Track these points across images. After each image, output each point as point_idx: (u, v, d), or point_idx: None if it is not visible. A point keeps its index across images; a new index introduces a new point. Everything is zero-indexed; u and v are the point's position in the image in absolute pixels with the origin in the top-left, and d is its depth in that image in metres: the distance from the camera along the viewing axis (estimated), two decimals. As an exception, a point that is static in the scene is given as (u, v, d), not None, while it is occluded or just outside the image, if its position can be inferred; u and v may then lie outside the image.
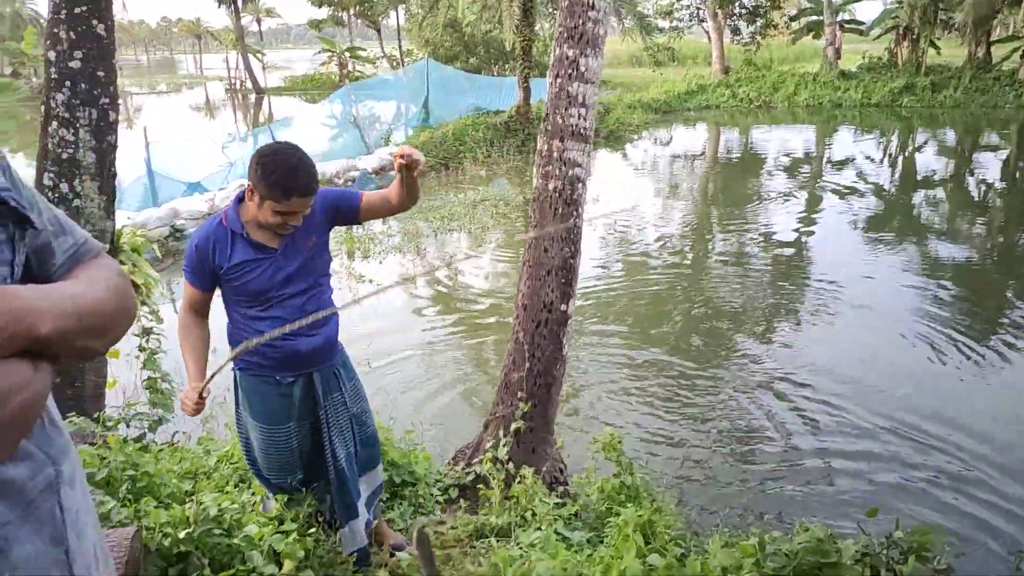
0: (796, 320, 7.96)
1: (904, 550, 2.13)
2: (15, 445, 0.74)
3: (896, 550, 2.15)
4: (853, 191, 14.56)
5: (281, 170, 2.36)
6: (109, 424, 4.67)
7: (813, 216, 12.89)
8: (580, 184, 4.04)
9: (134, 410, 4.87)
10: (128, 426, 4.85)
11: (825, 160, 18.67)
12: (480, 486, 3.84)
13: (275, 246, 2.61)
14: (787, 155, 19.28)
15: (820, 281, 9.08)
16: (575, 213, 4.04)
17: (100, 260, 1.02)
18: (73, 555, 0.89)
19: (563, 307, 4.06)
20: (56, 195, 4.26)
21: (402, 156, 2.45)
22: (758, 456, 5.25)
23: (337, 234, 11.77)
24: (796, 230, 11.76)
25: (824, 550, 1.97)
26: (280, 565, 2.65)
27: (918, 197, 14.70)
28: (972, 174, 16.78)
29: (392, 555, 2.90)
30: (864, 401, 5.97)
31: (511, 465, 3.92)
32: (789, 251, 10.69)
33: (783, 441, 5.44)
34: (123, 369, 5.52)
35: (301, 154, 2.42)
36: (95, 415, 3.84)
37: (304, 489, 2.94)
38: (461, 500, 3.88)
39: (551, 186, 4.01)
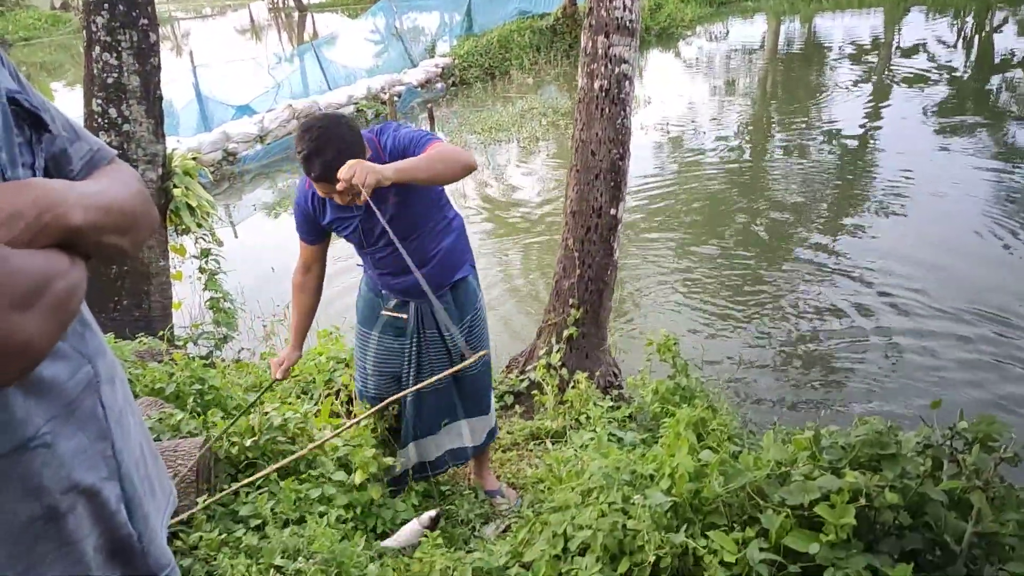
0: (864, 211, 7.64)
1: (968, 440, 2.06)
2: (58, 333, 0.74)
3: (960, 440, 2.08)
4: (924, 78, 13.69)
5: (302, 153, 2.23)
6: (178, 343, 4.88)
7: (880, 107, 12.21)
8: (627, 82, 3.87)
9: (200, 329, 5.06)
10: (196, 344, 5.06)
11: (894, 46, 17.52)
12: (534, 392, 3.89)
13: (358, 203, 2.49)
14: (853, 43, 18.13)
15: (889, 172, 8.65)
16: (623, 113, 3.89)
17: (116, 165, 1.02)
18: (119, 450, 0.92)
19: (612, 211, 3.97)
20: (105, 120, 4.32)
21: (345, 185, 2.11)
22: (822, 348, 5.17)
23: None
24: (863, 123, 11.17)
25: (883, 442, 1.93)
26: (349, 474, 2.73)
27: (995, 81, 13.73)
28: (1057, 52, 15.54)
29: (483, 499, 2.93)
30: (938, 289, 5.75)
31: (564, 371, 3.95)
32: (854, 144, 10.19)
33: (847, 331, 5.32)
34: (187, 291, 5.70)
35: (326, 138, 2.19)
36: (160, 334, 3.99)
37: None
38: (516, 406, 3.94)
39: (596, 85, 3.85)
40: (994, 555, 1.76)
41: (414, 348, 2.78)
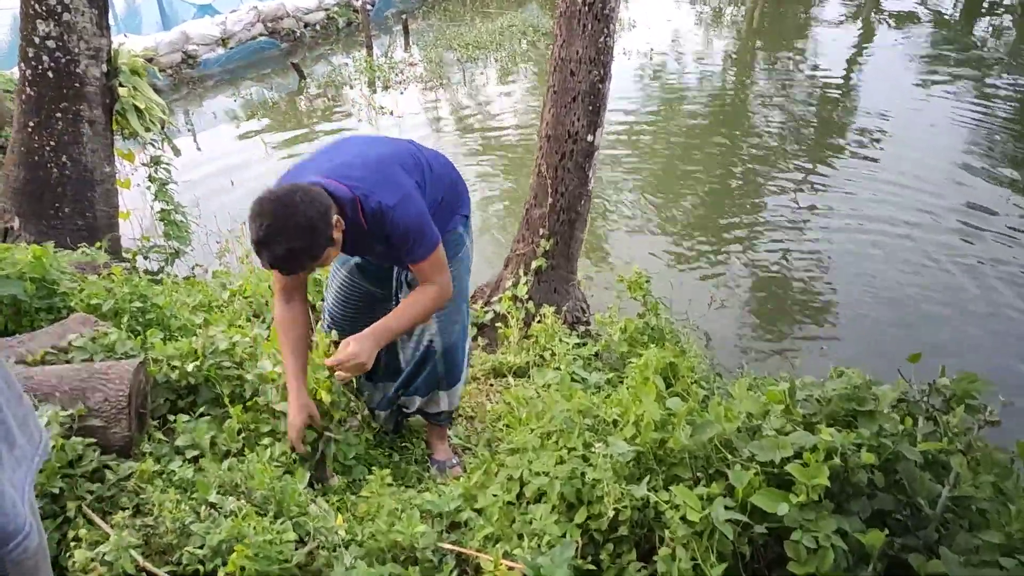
0: (842, 150, 7.51)
1: (947, 398, 1.97)
2: None
3: (938, 397, 1.99)
4: (912, 18, 13.39)
5: (252, 240, 1.93)
6: (126, 256, 4.62)
7: (865, 46, 11.94)
8: (613, -3, 3.60)
9: (151, 242, 4.81)
10: (146, 258, 4.81)
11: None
12: (499, 325, 3.75)
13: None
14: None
15: (868, 115, 8.49)
16: (606, 31, 3.64)
17: None
18: None
19: (590, 137, 3.76)
20: (44, 7, 3.94)
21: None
22: (795, 301, 5.10)
23: (358, 62, 11.22)
24: (847, 62, 10.92)
25: (860, 397, 1.83)
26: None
27: (982, 25, 13.49)
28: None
29: (429, 466, 2.71)
30: (910, 234, 5.69)
31: (531, 304, 3.81)
32: (837, 82, 9.97)
33: (820, 273, 5.25)
34: (138, 202, 5.40)
35: (275, 229, 1.88)
36: (98, 244, 3.74)
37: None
38: (479, 338, 3.81)
39: (580, -1, 3.58)
40: (968, 520, 1.68)
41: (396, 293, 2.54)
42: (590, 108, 3.71)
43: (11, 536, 0.83)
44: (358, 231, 2.10)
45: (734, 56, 11.68)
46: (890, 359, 4.07)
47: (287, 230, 1.89)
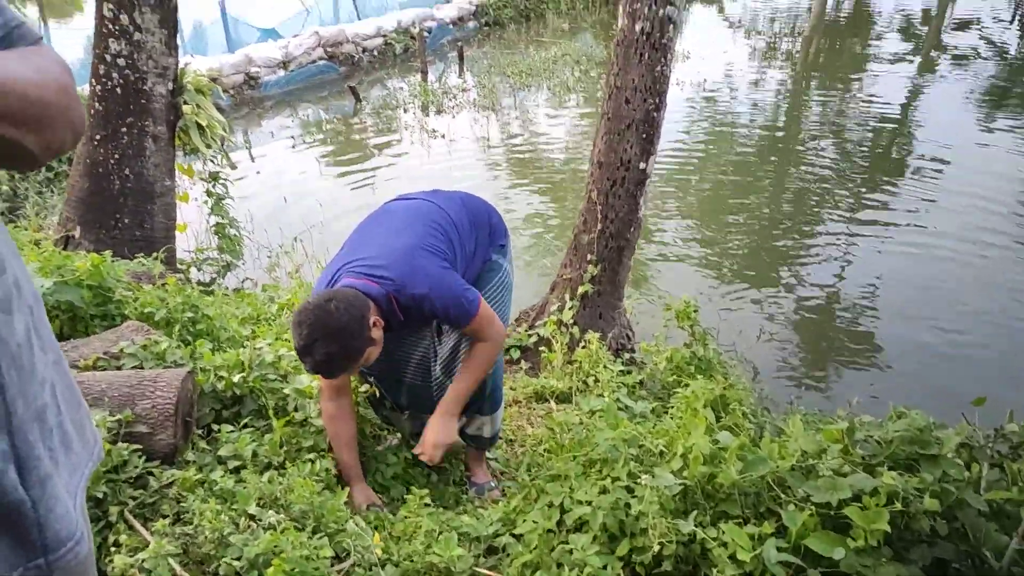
0: (895, 192, 7.32)
1: (1014, 444, 1.87)
2: None
3: (1005, 444, 1.89)
4: (974, 56, 13.09)
5: (296, 343, 2.05)
6: (181, 267, 4.73)
7: (924, 84, 11.69)
8: (671, 26, 3.58)
9: (204, 255, 4.91)
10: (199, 270, 4.91)
11: (946, 20, 16.78)
12: (542, 349, 3.72)
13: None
14: (903, 13, 17.39)
15: (922, 159, 8.26)
16: (663, 60, 3.62)
17: (40, 48, 0.82)
18: (12, 396, 0.74)
19: (642, 165, 3.73)
20: (116, 27, 4.09)
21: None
22: (845, 333, 4.95)
23: (412, 87, 11.42)
24: (904, 100, 10.69)
25: (923, 440, 1.74)
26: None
27: (1051, 64, 13.11)
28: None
29: (467, 488, 2.70)
30: (966, 283, 5.51)
31: (576, 329, 3.77)
32: (892, 121, 9.76)
33: (870, 312, 5.10)
34: (195, 215, 5.53)
35: (314, 338, 2.00)
36: (155, 255, 3.82)
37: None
38: (522, 361, 3.78)
39: (638, 27, 3.57)
40: (1037, 576, 1.58)
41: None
42: (643, 136, 3.68)
43: (63, 541, 0.82)
44: (397, 322, 2.23)
45: (788, 89, 11.56)
46: (945, 398, 3.94)
47: (325, 338, 2.00)
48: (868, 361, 4.64)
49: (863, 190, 7.38)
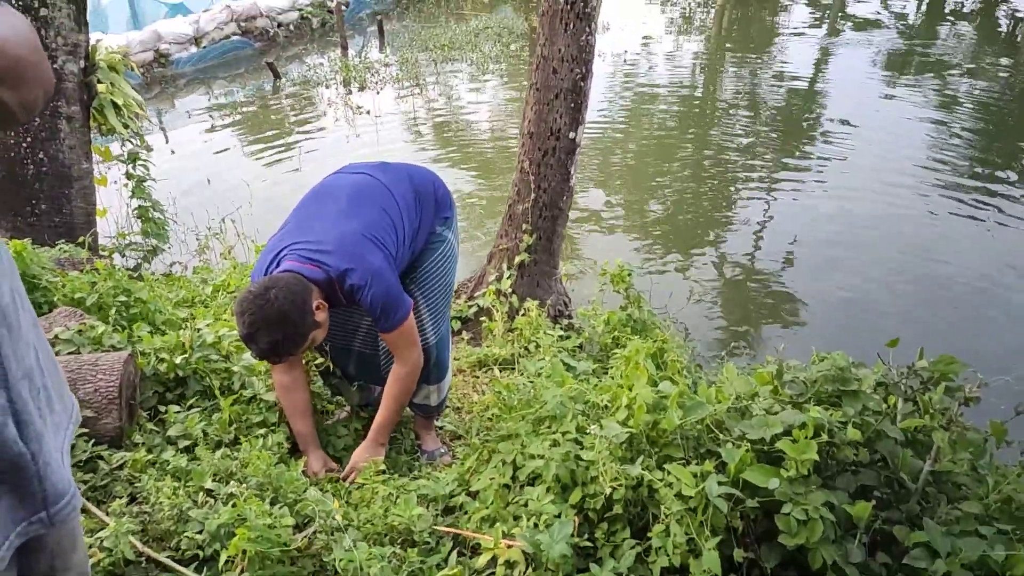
0: (806, 155, 7.67)
1: (924, 380, 2.05)
2: None
3: (916, 379, 2.06)
4: (876, 24, 13.70)
5: (240, 331, 2.06)
6: (103, 254, 4.57)
7: (831, 51, 12.18)
8: (594, -4, 3.66)
9: (127, 239, 4.76)
10: (123, 256, 4.76)
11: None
12: (483, 319, 3.78)
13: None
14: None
15: (831, 122, 8.66)
16: (587, 29, 3.70)
17: (4, 6, 0.81)
18: (5, 355, 0.76)
19: (572, 134, 3.81)
20: (20, 2, 3.88)
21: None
22: (767, 291, 5.20)
23: (333, 62, 11.19)
24: (812, 67, 11.12)
25: (845, 378, 1.89)
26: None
27: (943, 31, 13.84)
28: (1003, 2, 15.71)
29: (418, 456, 2.73)
30: (878, 237, 5.85)
31: (515, 298, 3.85)
32: (802, 87, 10.16)
33: (791, 274, 5.37)
34: (114, 199, 5.34)
35: (257, 326, 2.01)
36: (80, 240, 3.70)
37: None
38: (463, 332, 3.84)
39: (562, -2, 3.63)
40: (947, 493, 1.75)
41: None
42: (572, 106, 3.76)
43: (61, 494, 0.84)
44: (340, 306, 2.26)
45: (704, 59, 11.85)
46: (861, 343, 4.20)
47: (267, 326, 2.01)
48: (790, 316, 4.90)
49: (778, 154, 7.70)
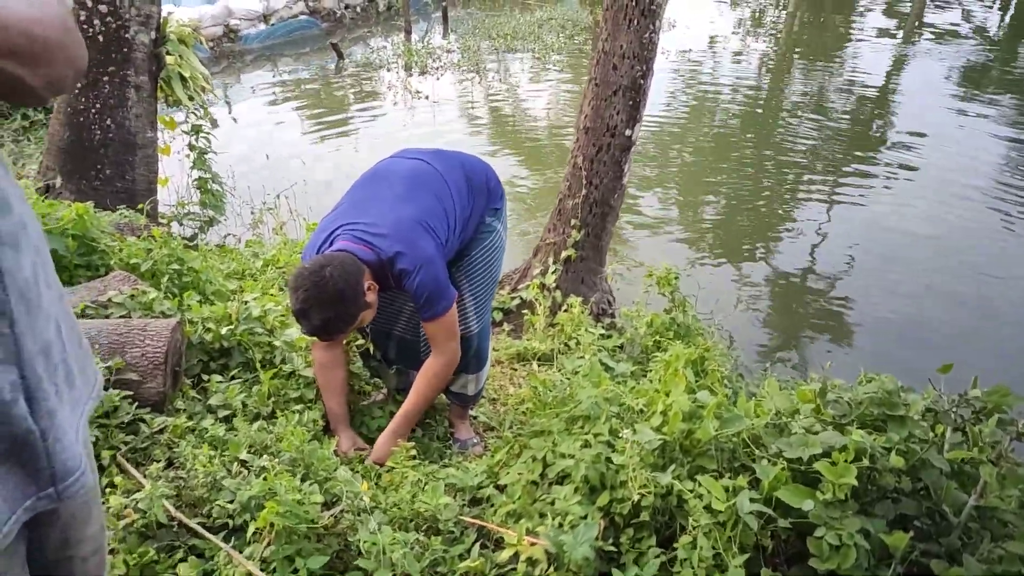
0: (872, 165, 7.44)
1: (976, 409, 1.96)
2: None
3: (968, 408, 1.98)
4: (954, 35, 13.20)
5: (293, 307, 2.09)
6: (162, 221, 4.70)
7: (905, 61, 11.78)
8: (661, -8, 3.60)
9: (186, 209, 4.88)
10: (180, 224, 4.88)
11: (930, -2, 16.86)
12: (525, 312, 3.78)
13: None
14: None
15: (900, 134, 8.38)
16: (651, 27, 3.64)
17: None
18: (21, 331, 0.77)
19: (628, 131, 3.77)
20: (97, -27, 3.99)
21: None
22: (819, 304, 5.07)
23: (395, 46, 11.27)
24: (884, 76, 10.78)
25: (892, 402, 1.83)
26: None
27: (1027, 47, 13.27)
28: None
29: (451, 444, 2.74)
30: (940, 261, 5.65)
31: (558, 293, 3.83)
32: (873, 95, 9.86)
33: (847, 288, 5.22)
34: (176, 169, 5.47)
35: (311, 302, 2.04)
36: (140, 207, 3.80)
37: None
38: (504, 324, 3.84)
39: (628, -7, 3.58)
40: (991, 530, 1.68)
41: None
42: (630, 103, 3.71)
43: (71, 471, 0.84)
44: (388, 289, 2.27)
45: (772, 61, 11.59)
46: (913, 365, 4.08)
47: (321, 302, 2.04)
48: (842, 331, 4.77)
49: (841, 163, 7.48)
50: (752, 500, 1.61)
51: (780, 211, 6.49)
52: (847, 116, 9.03)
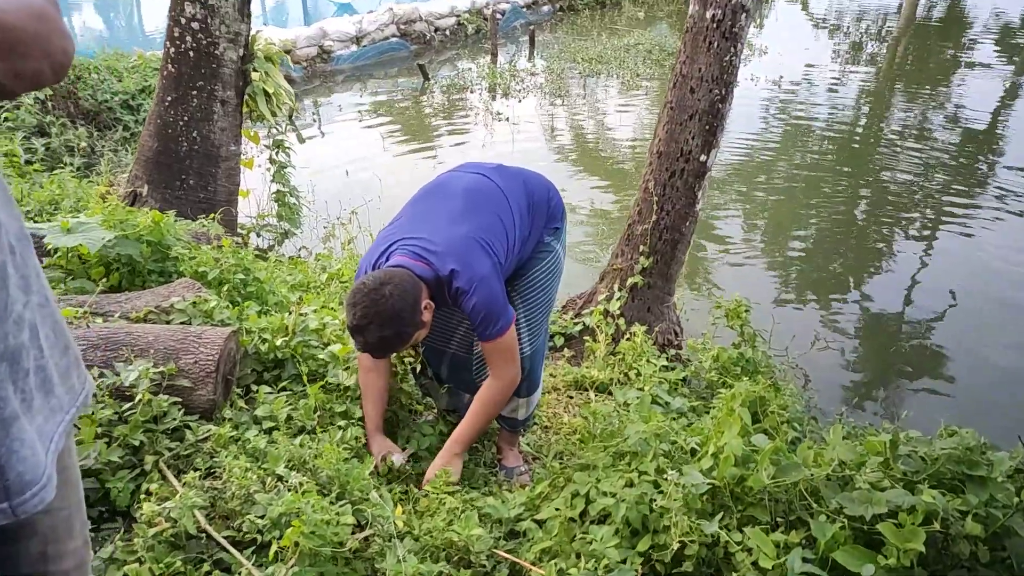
0: (975, 205, 6.97)
1: (1074, 477, 1.75)
2: None
3: (1063, 475, 1.77)
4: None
5: (349, 323, 2.06)
6: (241, 232, 4.84)
7: (1018, 94, 11.07)
8: (743, 14, 3.47)
9: (265, 221, 5.01)
10: (259, 236, 5.02)
11: (1048, 28, 15.88)
12: (587, 338, 3.67)
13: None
14: (999, 19, 16.52)
15: (1007, 172, 7.83)
16: (732, 50, 3.51)
17: None
18: None
19: (703, 157, 3.63)
20: (191, -9, 4.18)
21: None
22: (909, 347, 4.75)
23: (481, 68, 11.41)
24: (993, 111, 10.14)
25: (972, 460, 1.64)
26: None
27: None
28: None
29: (497, 470, 2.67)
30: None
31: (622, 320, 3.71)
32: (980, 131, 9.28)
33: (935, 328, 4.88)
34: (258, 182, 5.64)
35: (368, 318, 2.00)
36: (212, 217, 3.91)
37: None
38: (565, 349, 3.74)
39: (709, 14, 3.47)
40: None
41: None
42: (707, 128, 3.58)
43: (28, 485, 0.78)
44: (444, 306, 2.24)
45: (870, 92, 11.12)
46: (1009, 421, 3.75)
47: (378, 322, 2.00)
48: (931, 378, 4.44)
49: (942, 201, 7.05)
50: (805, 559, 1.47)
51: (874, 247, 6.16)
52: (951, 150, 8.54)
